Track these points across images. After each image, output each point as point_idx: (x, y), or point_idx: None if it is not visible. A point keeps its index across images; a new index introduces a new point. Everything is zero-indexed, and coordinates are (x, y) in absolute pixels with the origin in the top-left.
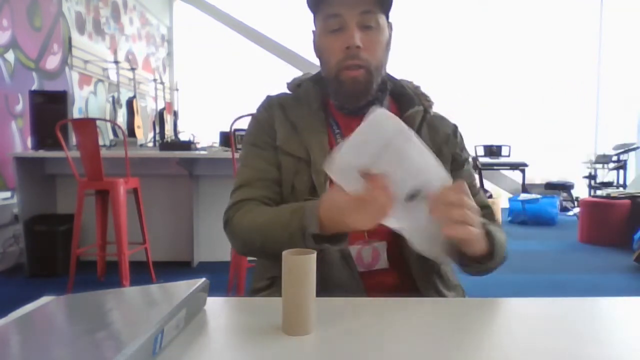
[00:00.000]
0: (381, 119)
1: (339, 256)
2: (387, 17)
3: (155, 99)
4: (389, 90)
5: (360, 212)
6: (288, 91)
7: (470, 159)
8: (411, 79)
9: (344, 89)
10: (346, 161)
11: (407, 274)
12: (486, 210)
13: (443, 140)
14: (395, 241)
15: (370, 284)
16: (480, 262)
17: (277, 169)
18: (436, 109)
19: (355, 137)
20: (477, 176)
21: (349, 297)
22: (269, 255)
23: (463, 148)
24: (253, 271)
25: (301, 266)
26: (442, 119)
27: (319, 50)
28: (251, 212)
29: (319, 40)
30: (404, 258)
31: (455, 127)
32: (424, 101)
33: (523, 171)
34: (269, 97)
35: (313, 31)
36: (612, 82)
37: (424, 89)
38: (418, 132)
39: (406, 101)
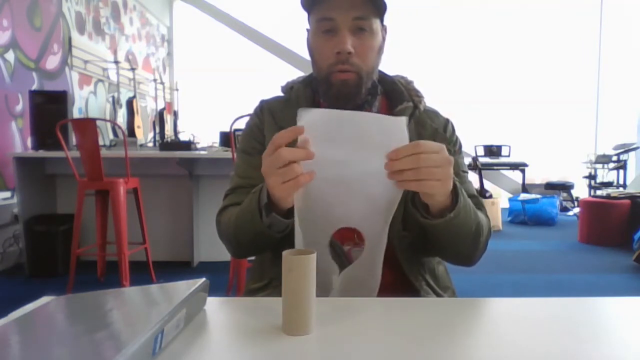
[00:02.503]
0: (392, 126)
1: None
2: (382, 21)
3: (155, 99)
4: (379, 93)
5: (275, 174)
6: (282, 94)
7: (462, 151)
8: (407, 76)
9: (334, 90)
10: (322, 123)
11: (402, 273)
12: (474, 200)
13: (430, 135)
14: (388, 243)
15: None
16: (442, 215)
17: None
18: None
19: (350, 114)
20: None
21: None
22: (248, 247)
23: (453, 142)
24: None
25: (301, 266)
26: (434, 114)
27: (311, 50)
28: (230, 212)
29: (312, 40)
30: (396, 258)
31: (446, 122)
32: (414, 97)
33: (523, 171)
34: (261, 102)
35: (307, 29)
36: (612, 83)
37: (417, 85)
38: None
39: (397, 97)
